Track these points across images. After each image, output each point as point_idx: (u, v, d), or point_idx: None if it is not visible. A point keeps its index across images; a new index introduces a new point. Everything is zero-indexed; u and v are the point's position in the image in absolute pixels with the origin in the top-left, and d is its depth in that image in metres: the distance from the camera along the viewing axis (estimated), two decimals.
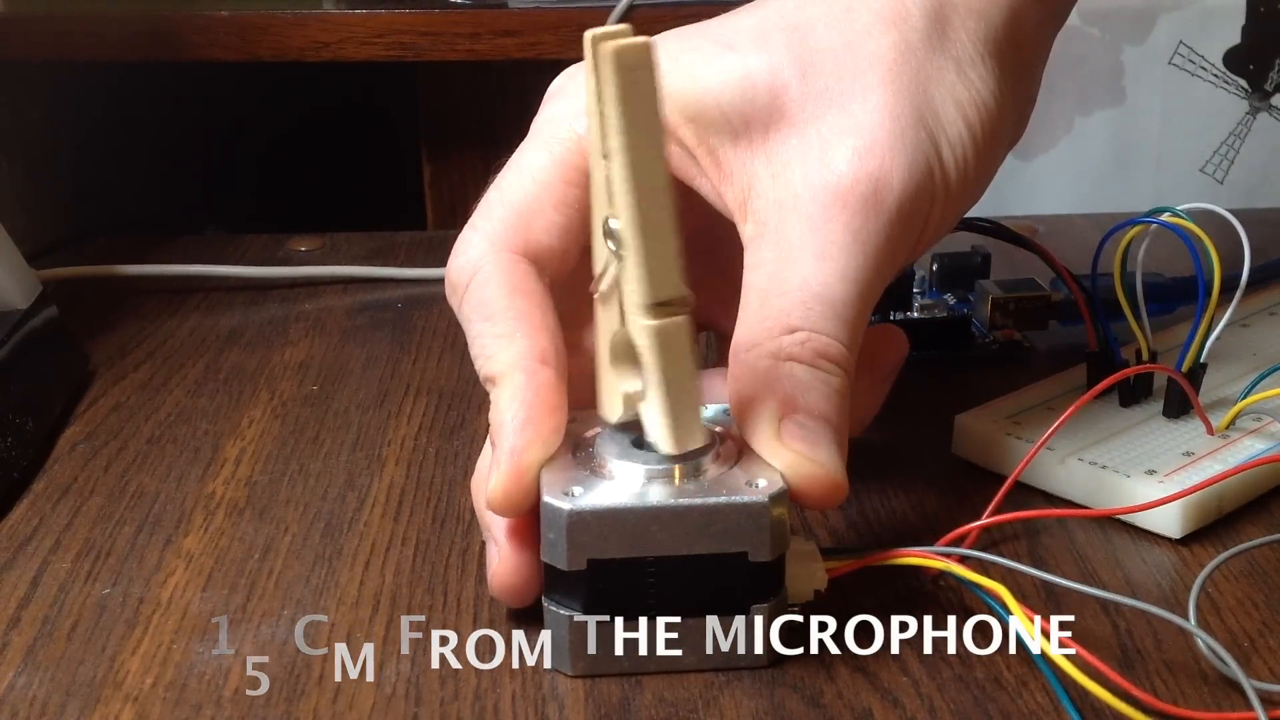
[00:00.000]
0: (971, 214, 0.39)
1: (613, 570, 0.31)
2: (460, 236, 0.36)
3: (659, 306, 0.30)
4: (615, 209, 0.30)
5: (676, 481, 0.31)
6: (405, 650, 0.33)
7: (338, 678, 0.32)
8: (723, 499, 0.30)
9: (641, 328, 0.30)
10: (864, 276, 0.34)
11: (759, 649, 0.32)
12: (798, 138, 0.34)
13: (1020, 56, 0.37)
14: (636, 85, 0.28)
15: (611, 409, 0.32)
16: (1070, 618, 0.33)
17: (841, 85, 0.35)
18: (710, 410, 0.34)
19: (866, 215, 0.34)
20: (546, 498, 0.31)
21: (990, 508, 0.37)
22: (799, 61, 0.35)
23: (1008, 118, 0.37)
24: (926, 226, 0.35)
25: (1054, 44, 0.40)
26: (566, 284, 0.36)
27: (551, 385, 0.32)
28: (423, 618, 0.34)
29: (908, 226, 0.34)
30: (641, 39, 0.28)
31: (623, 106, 0.28)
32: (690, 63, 0.35)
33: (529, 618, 0.34)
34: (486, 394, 0.33)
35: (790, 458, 0.32)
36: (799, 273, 0.33)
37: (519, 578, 0.32)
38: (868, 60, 0.35)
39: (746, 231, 0.35)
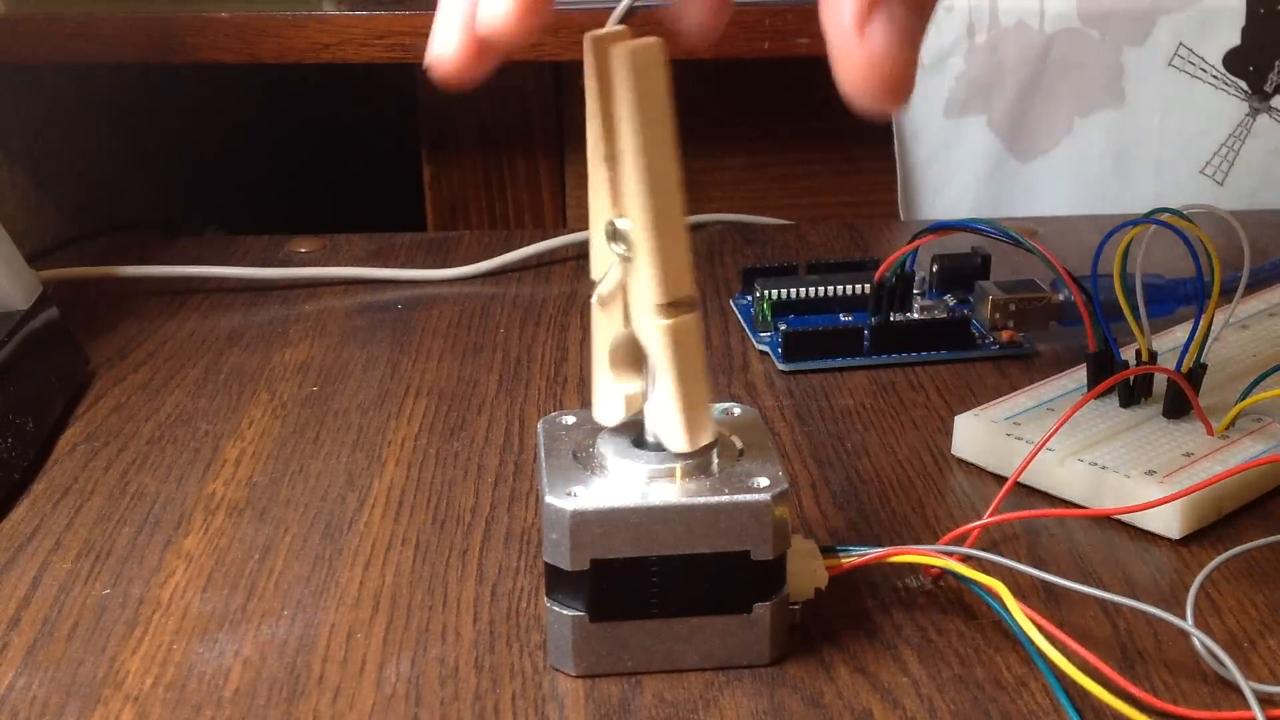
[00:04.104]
0: (971, 215, 0.39)
1: (615, 570, 0.31)
2: None
3: (670, 306, 0.30)
4: (625, 211, 0.30)
5: (678, 481, 0.31)
6: (405, 650, 0.33)
7: (338, 678, 0.32)
8: (725, 498, 0.30)
9: (655, 327, 0.30)
10: None
11: (761, 647, 0.32)
12: None
13: None
14: (650, 85, 0.28)
15: (610, 412, 0.32)
16: (1070, 618, 0.33)
17: None
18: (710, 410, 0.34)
19: None
20: (549, 498, 0.31)
21: (990, 508, 0.37)
22: None
23: None
24: None
25: (1053, 45, 0.40)
26: None
27: None
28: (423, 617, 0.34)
29: None
30: (652, 39, 0.28)
31: (637, 107, 0.28)
32: None
33: (529, 617, 0.34)
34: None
35: (872, 53, 0.27)
36: None
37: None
38: None
39: None
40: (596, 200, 0.31)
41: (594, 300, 0.32)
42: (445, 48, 0.30)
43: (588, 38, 0.29)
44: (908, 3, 0.27)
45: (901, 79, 0.27)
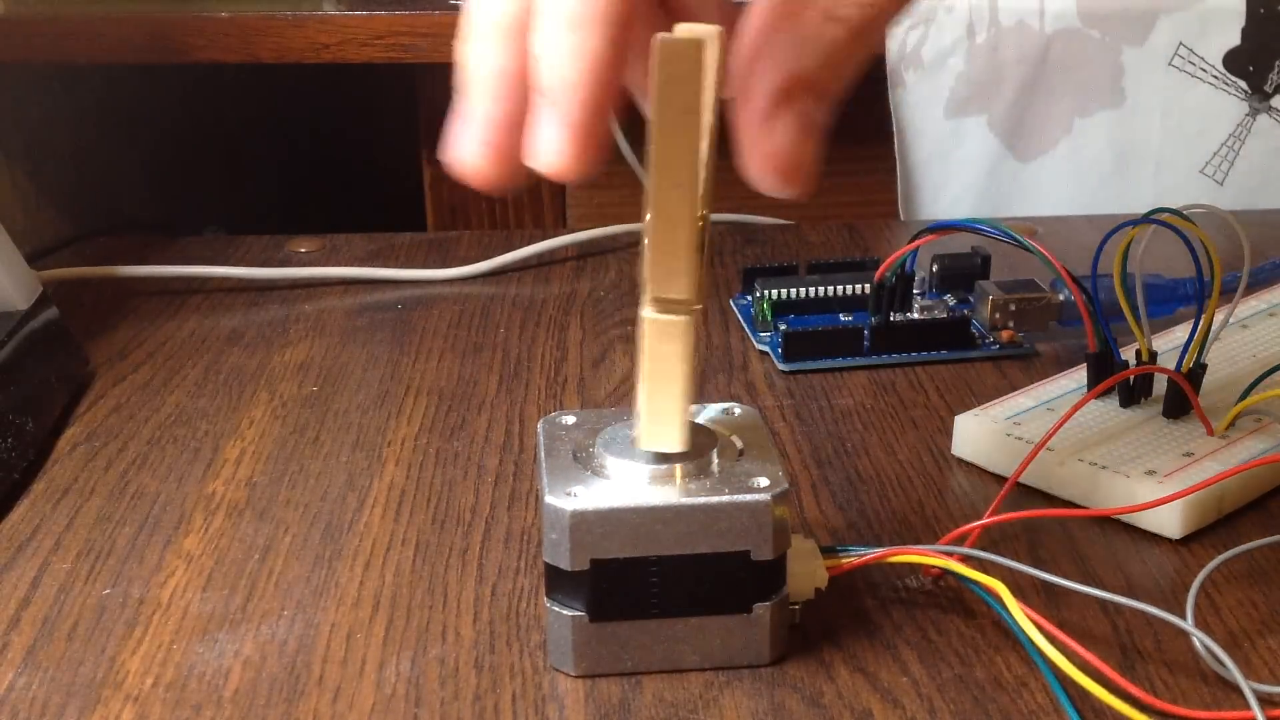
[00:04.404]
0: (971, 215, 0.39)
1: (615, 570, 0.31)
2: None
3: None
4: (708, 201, 0.29)
5: (678, 481, 0.31)
6: (405, 650, 0.33)
7: (338, 678, 0.32)
8: (725, 498, 0.30)
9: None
10: None
11: (761, 647, 0.32)
12: None
13: None
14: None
15: (687, 433, 0.31)
16: (1070, 618, 0.33)
17: None
18: (710, 410, 0.34)
19: None
20: (549, 498, 0.31)
21: (990, 508, 0.37)
22: None
23: None
24: None
25: (1053, 45, 0.40)
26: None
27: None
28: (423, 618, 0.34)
29: None
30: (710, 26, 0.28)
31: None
32: None
33: (529, 617, 0.34)
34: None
35: (780, 145, 0.27)
36: None
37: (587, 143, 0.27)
38: None
39: None
40: (694, 214, 0.28)
41: (691, 319, 0.29)
42: (469, 156, 0.28)
43: (685, 39, 0.26)
44: (815, 93, 0.28)
45: (805, 169, 0.27)
